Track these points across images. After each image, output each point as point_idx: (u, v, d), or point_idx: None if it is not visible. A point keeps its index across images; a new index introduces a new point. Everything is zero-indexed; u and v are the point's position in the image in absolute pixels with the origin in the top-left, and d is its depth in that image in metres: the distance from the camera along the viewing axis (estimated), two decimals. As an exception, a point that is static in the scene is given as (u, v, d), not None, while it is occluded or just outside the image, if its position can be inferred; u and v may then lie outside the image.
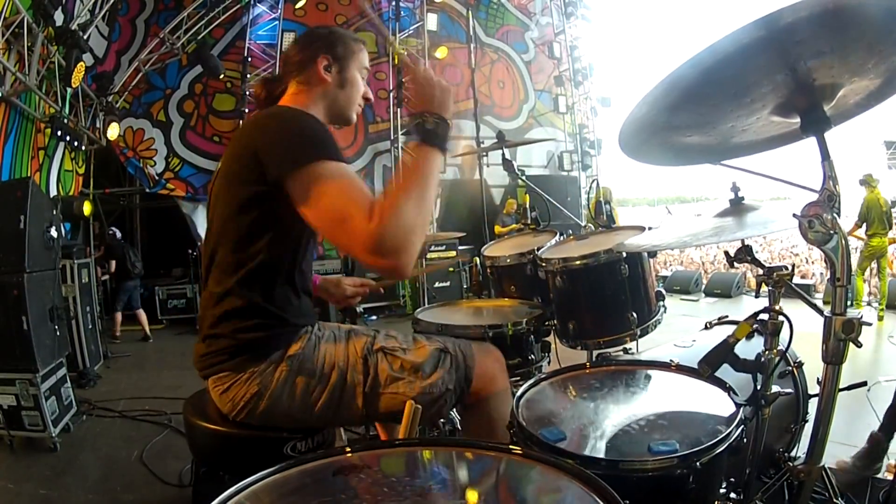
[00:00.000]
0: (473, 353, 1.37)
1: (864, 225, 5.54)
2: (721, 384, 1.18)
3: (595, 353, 1.71)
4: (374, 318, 6.90)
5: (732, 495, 1.10)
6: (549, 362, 1.78)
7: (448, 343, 1.37)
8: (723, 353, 1.13)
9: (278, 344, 1.24)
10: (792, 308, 1.21)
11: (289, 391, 1.23)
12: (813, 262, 9.17)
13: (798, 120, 1.02)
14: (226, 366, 1.22)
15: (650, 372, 1.38)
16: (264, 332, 1.22)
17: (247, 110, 7.15)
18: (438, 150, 1.07)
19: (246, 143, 1.19)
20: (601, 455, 1.01)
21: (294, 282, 1.26)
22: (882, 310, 5.53)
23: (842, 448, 2.06)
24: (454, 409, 1.44)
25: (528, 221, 2.36)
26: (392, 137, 8.33)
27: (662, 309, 1.73)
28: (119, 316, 6.00)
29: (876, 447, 1.96)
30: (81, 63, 4.75)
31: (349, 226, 1.00)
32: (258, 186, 1.14)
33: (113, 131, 6.17)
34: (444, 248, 7.22)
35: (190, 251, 6.73)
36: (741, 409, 1.08)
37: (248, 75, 7.40)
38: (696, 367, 1.19)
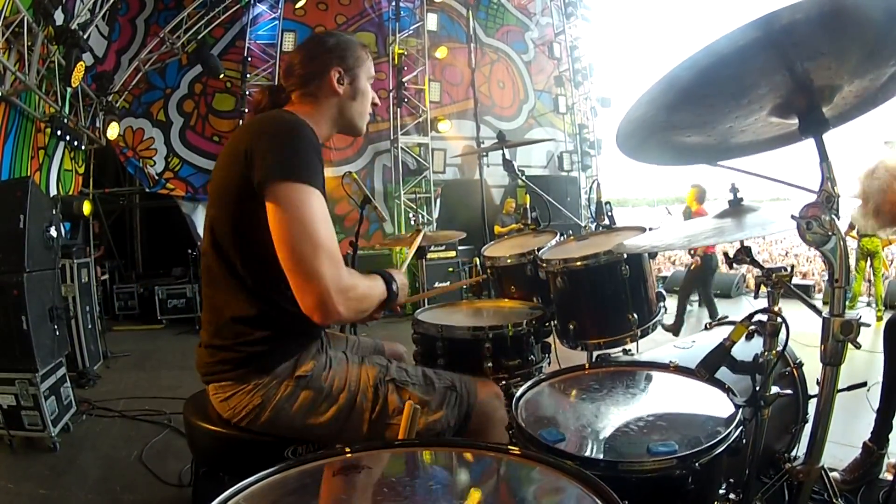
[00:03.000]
0: (476, 390, 1.38)
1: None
2: (720, 385, 1.18)
3: (595, 353, 1.71)
4: (373, 317, 6.88)
5: (732, 496, 1.10)
6: (549, 363, 1.78)
7: (455, 380, 1.38)
8: (720, 357, 1.12)
9: (284, 356, 1.23)
10: (793, 309, 1.21)
11: (292, 406, 1.22)
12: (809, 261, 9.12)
13: (797, 121, 1.02)
14: (228, 375, 1.21)
15: (649, 373, 1.38)
16: (269, 344, 1.21)
17: (247, 110, 7.15)
18: (388, 297, 1.31)
19: (239, 143, 1.18)
20: (600, 456, 1.01)
21: None
22: (881, 310, 5.53)
23: (841, 449, 2.06)
24: None
25: (528, 221, 2.36)
26: (392, 137, 8.33)
27: (663, 309, 1.73)
28: None
29: (869, 456, 1.96)
30: (81, 63, 4.74)
31: (313, 287, 1.08)
32: (249, 189, 1.13)
33: (113, 131, 6.16)
34: (443, 247, 7.22)
35: (190, 251, 6.71)
36: (740, 409, 1.08)
37: (248, 75, 7.39)
38: (694, 368, 1.19)
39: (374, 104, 1.41)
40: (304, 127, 1.18)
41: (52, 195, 5.02)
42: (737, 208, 1.35)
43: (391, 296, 1.30)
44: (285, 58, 7.00)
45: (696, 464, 0.94)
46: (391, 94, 8.25)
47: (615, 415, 1.16)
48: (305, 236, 1.08)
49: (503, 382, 1.60)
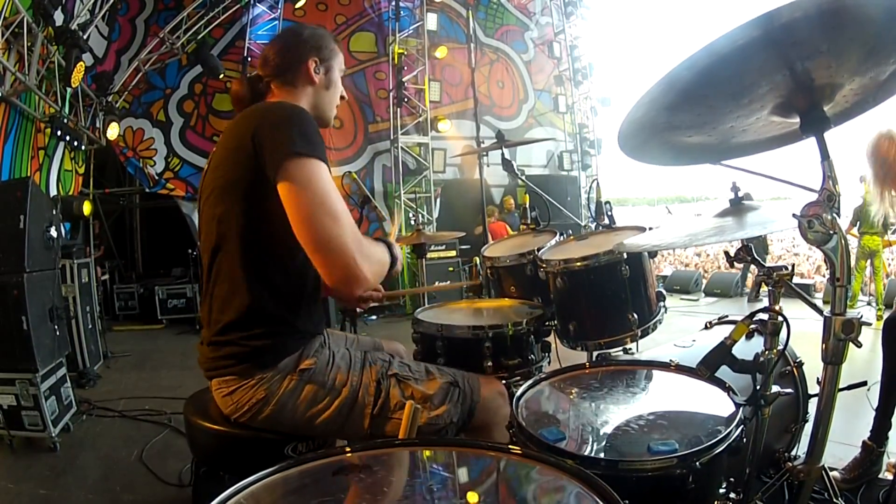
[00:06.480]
0: (479, 387, 1.38)
1: (858, 223, 5.56)
2: (721, 384, 1.18)
3: (595, 353, 1.71)
4: (373, 318, 6.90)
5: (732, 495, 1.10)
6: (549, 362, 1.78)
7: (458, 376, 1.38)
8: (721, 355, 1.13)
9: (287, 351, 1.23)
10: (792, 308, 1.21)
11: (295, 401, 1.22)
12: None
13: (798, 120, 1.02)
14: (232, 370, 1.21)
15: (650, 372, 1.38)
16: (272, 339, 1.21)
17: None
18: (391, 263, 1.31)
19: (242, 133, 1.18)
20: (601, 455, 1.01)
21: (302, 284, 1.24)
22: (881, 310, 5.53)
23: (842, 448, 2.06)
24: None
25: (528, 221, 2.36)
26: (392, 137, 8.32)
27: (663, 309, 1.73)
28: None
29: (868, 455, 1.97)
30: (81, 63, 4.74)
31: (339, 257, 1.09)
32: (257, 179, 1.14)
33: (113, 131, 6.16)
34: (443, 247, 7.22)
35: (190, 251, 6.72)
36: (741, 409, 1.08)
37: (248, 75, 7.38)
38: (695, 367, 1.19)
39: (341, 97, 1.44)
40: (303, 110, 1.22)
41: (52, 195, 5.02)
42: (738, 207, 1.35)
43: (393, 261, 1.31)
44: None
45: (697, 463, 0.94)
46: (391, 94, 8.24)
47: (615, 414, 1.16)
48: (323, 210, 1.09)
49: (503, 381, 1.60)
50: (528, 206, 2.39)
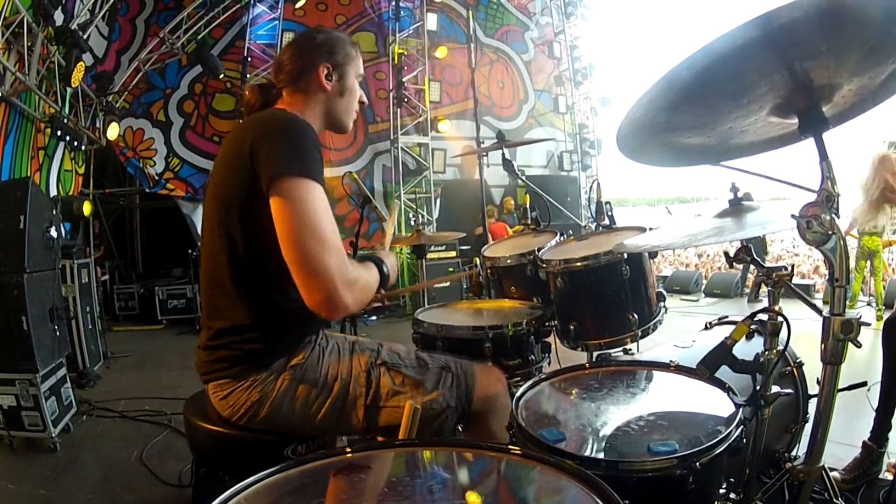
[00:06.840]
0: (475, 372, 1.38)
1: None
2: (721, 385, 1.18)
3: (596, 353, 1.71)
4: (373, 318, 6.89)
5: (732, 495, 1.10)
6: (549, 363, 1.78)
7: (450, 361, 1.37)
8: (721, 355, 1.13)
9: (280, 353, 1.23)
10: (792, 308, 1.21)
11: (290, 400, 1.22)
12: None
13: (796, 121, 1.02)
14: (226, 373, 1.21)
15: (650, 372, 1.38)
16: (266, 343, 1.22)
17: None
18: (381, 281, 1.31)
19: (241, 142, 1.17)
20: (601, 456, 1.01)
21: (298, 293, 1.25)
22: (881, 310, 5.53)
23: (842, 448, 2.06)
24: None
25: (528, 221, 2.36)
26: (392, 137, 8.33)
27: (663, 309, 1.73)
28: None
29: (868, 455, 1.97)
30: (81, 63, 4.74)
31: (321, 282, 1.07)
32: (253, 190, 1.13)
33: (113, 131, 6.16)
34: (443, 248, 7.22)
35: (190, 251, 6.72)
36: (741, 409, 1.08)
37: (248, 75, 7.39)
38: (695, 367, 1.19)
39: (361, 102, 1.42)
40: (303, 123, 1.19)
41: (52, 195, 5.02)
42: (737, 207, 1.35)
43: (384, 279, 1.31)
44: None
45: (697, 463, 0.94)
46: (391, 94, 8.25)
47: (615, 414, 1.16)
48: (311, 232, 1.08)
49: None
50: (528, 206, 2.39)
